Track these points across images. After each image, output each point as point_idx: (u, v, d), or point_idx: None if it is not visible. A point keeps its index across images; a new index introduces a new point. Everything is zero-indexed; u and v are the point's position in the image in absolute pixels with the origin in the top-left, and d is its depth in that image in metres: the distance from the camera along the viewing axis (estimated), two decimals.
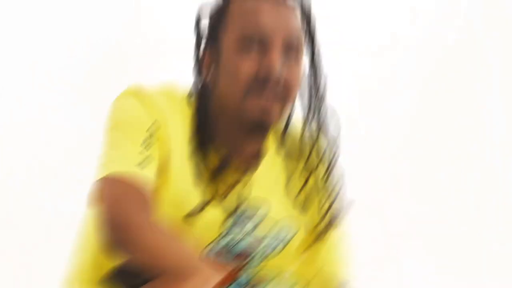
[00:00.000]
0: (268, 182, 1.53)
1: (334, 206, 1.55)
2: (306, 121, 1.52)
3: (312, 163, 1.54)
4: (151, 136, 1.43)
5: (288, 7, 1.48)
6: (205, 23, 1.51)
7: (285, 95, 1.46)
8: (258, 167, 1.52)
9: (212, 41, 1.49)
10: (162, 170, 1.42)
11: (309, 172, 1.54)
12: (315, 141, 1.53)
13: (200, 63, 1.50)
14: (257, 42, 1.45)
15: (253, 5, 1.46)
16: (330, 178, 1.55)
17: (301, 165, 1.55)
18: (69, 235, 1.62)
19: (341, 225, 1.57)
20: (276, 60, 1.44)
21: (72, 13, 2.81)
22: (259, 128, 1.48)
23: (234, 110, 1.47)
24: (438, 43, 3.11)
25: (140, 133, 1.43)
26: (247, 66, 1.44)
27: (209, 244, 1.47)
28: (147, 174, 1.39)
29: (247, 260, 1.50)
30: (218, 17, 1.49)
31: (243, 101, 1.45)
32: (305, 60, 1.51)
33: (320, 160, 1.54)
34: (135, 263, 1.33)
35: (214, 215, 1.46)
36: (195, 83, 1.51)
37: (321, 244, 1.57)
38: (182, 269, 1.31)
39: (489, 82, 3.15)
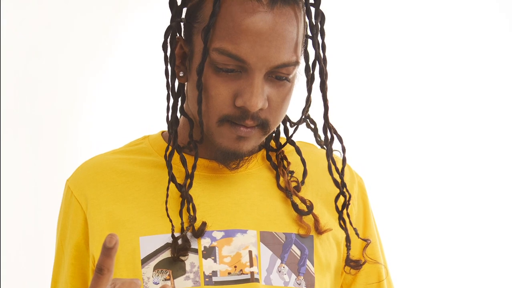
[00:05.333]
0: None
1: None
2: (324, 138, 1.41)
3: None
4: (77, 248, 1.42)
5: (289, 9, 1.30)
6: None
7: (265, 126, 1.33)
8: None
9: (187, 35, 1.35)
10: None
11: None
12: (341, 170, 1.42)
13: (171, 56, 1.36)
14: (238, 63, 1.29)
15: (243, 16, 1.28)
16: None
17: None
18: None
19: None
20: (258, 94, 1.29)
21: None
22: (232, 156, 1.36)
23: (207, 131, 1.35)
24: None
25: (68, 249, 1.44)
26: (225, 92, 1.30)
27: None
28: None
29: None
30: (199, 10, 1.33)
31: (217, 127, 1.33)
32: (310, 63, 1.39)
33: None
34: None
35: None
36: (167, 82, 1.37)
37: None
38: None
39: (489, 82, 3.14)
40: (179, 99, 1.40)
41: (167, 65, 1.37)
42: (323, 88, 1.37)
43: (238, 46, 1.28)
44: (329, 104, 1.39)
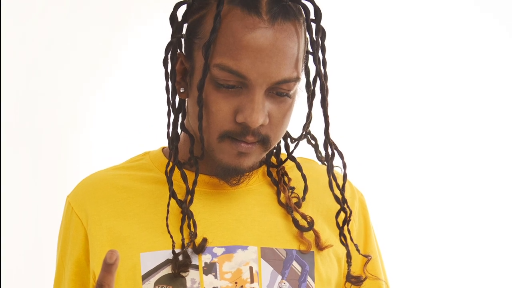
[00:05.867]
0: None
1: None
2: (324, 155, 1.41)
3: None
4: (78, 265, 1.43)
5: (290, 24, 1.30)
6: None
7: (266, 142, 1.34)
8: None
9: (188, 51, 1.36)
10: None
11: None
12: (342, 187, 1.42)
13: (172, 72, 1.36)
14: (239, 79, 1.29)
15: (244, 32, 1.28)
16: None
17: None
18: None
19: None
20: (258, 110, 1.29)
21: None
22: (233, 172, 1.36)
23: (207, 147, 1.35)
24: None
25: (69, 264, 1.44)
26: (226, 108, 1.30)
27: None
28: None
29: None
30: (200, 26, 1.33)
31: (217, 143, 1.33)
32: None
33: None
34: None
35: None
36: (168, 98, 1.37)
37: None
38: None
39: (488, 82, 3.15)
40: (180, 115, 1.40)
41: (168, 81, 1.37)
42: (324, 104, 1.37)
43: (239, 62, 1.28)
44: (330, 120, 1.38)
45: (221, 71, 1.29)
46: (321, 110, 1.38)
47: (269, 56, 1.28)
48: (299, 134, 1.48)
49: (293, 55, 1.31)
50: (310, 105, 1.42)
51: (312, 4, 1.35)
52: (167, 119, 1.39)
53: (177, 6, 1.38)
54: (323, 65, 1.36)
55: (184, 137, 1.42)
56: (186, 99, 1.39)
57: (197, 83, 1.31)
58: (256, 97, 1.30)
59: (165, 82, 1.37)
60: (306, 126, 1.46)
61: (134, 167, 1.46)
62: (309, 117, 1.45)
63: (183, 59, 1.37)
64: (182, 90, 1.38)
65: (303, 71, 1.38)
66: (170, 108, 1.38)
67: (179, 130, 1.39)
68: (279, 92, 1.32)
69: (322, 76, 1.36)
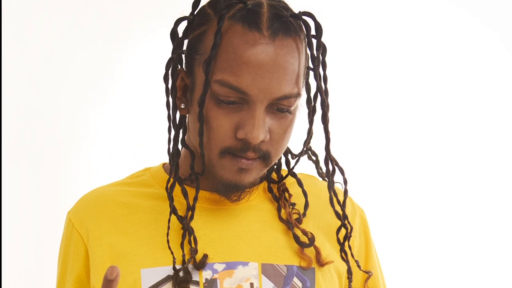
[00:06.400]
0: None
1: None
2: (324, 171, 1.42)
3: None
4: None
5: (291, 40, 1.30)
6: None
7: (266, 158, 1.33)
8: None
9: (189, 67, 1.36)
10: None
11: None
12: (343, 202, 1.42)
13: (173, 88, 1.36)
14: (239, 95, 1.29)
15: (244, 48, 1.28)
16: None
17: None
18: None
19: None
20: (259, 126, 1.29)
21: None
22: (234, 188, 1.35)
23: (208, 163, 1.34)
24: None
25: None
26: (227, 124, 1.30)
27: None
28: None
29: None
30: (200, 42, 1.33)
31: (218, 159, 1.33)
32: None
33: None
34: None
35: None
36: (168, 114, 1.37)
37: None
38: None
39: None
40: (181, 131, 1.40)
41: (169, 97, 1.37)
42: (325, 120, 1.37)
43: (239, 78, 1.28)
44: (331, 136, 1.38)
45: (222, 87, 1.29)
46: (321, 125, 1.38)
47: (270, 72, 1.28)
48: (299, 150, 1.48)
49: (294, 71, 1.31)
50: (311, 121, 1.42)
51: (313, 20, 1.35)
52: (167, 135, 1.39)
53: (177, 22, 1.38)
54: (324, 81, 1.36)
55: (184, 153, 1.42)
56: (187, 115, 1.39)
57: (198, 99, 1.31)
58: (257, 113, 1.29)
59: (165, 98, 1.37)
60: (307, 142, 1.46)
61: (135, 183, 1.46)
62: (310, 133, 1.45)
63: (184, 75, 1.37)
64: (182, 106, 1.38)
65: (304, 87, 1.38)
66: (171, 124, 1.38)
67: (179, 146, 1.39)
68: (280, 108, 1.32)
69: (323, 92, 1.36)
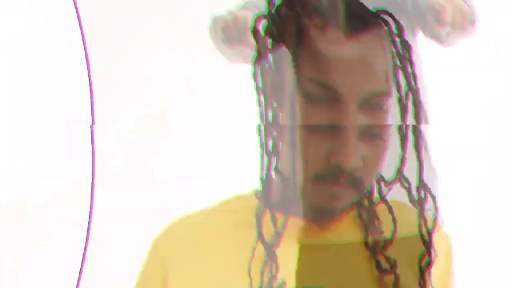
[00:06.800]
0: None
1: None
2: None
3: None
4: None
5: (373, 37, 1.30)
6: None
7: (360, 181, 1.32)
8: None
9: (274, 64, 1.34)
10: None
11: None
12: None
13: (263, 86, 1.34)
14: (329, 91, 1.28)
15: (328, 46, 1.28)
16: None
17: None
18: None
19: None
20: (353, 152, 1.28)
21: None
22: (326, 212, 1.35)
23: (299, 189, 1.33)
24: None
25: None
26: (318, 149, 1.29)
27: None
28: None
29: None
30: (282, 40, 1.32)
31: (309, 184, 1.31)
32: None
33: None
34: None
35: None
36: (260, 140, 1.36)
37: None
38: None
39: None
40: (274, 157, 1.38)
41: (261, 96, 1.35)
42: (418, 146, 1.35)
43: (328, 74, 1.27)
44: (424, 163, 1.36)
45: (311, 84, 1.28)
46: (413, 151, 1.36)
47: (357, 69, 1.28)
48: (390, 176, 1.46)
49: (380, 67, 1.30)
50: (404, 148, 1.39)
51: (392, 18, 1.33)
52: (260, 162, 1.37)
53: (257, 20, 1.36)
54: (414, 80, 1.34)
55: (276, 179, 1.41)
56: (280, 141, 1.37)
57: (287, 102, 1.30)
58: (350, 141, 1.28)
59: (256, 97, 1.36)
60: (401, 169, 1.43)
61: (225, 211, 1.46)
62: (403, 160, 1.42)
63: (270, 73, 1.35)
64: (275, 105, 1.36)
65: (394, 85, 1.35)
66: (264, 151, 1.37)
67: (272, 173, 1.38)
68: (373, 103, 1.30)
69: (414, 91, 1.34)
